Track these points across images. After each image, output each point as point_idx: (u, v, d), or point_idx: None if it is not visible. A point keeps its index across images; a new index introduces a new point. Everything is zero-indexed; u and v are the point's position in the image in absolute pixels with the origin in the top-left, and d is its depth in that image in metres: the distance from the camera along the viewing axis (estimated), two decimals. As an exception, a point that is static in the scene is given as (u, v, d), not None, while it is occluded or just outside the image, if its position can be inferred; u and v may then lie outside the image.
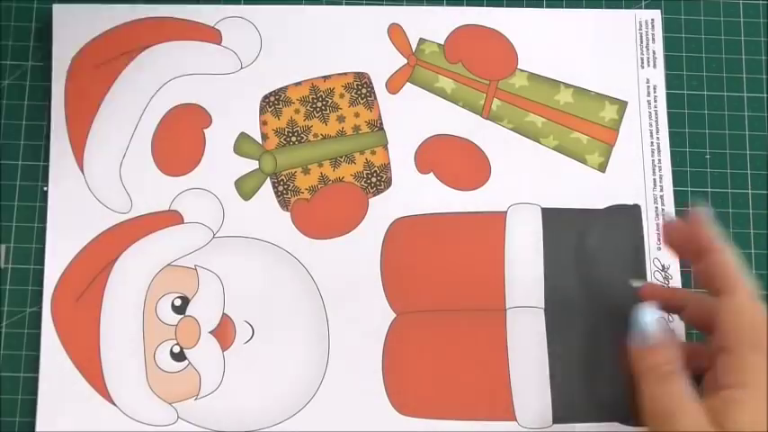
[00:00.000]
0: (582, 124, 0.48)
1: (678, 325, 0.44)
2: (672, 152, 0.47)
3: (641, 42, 0.48)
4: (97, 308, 0.44)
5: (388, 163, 0.47)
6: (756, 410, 0.36)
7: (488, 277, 0.45)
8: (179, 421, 0.43)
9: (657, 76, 0.48)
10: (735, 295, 0.38)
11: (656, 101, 0.48)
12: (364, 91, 0.48)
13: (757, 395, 0.37)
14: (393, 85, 0.48)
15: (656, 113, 0.48)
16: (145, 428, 0.43)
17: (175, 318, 0.44)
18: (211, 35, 0.47)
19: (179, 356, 0.44)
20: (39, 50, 0.47)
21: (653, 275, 0.46)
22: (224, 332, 0.44)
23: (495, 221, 0.46)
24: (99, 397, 0.43)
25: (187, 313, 0.44)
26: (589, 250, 0.46)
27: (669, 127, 0.47)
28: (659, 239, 0.46)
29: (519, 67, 0.48)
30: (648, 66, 0.48)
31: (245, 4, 0.48)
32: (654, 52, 0.48)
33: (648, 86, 0.48)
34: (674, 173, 0.47)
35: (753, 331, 0.37)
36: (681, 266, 0.46)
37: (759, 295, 0.38)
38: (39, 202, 0.46)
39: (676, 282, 0.46)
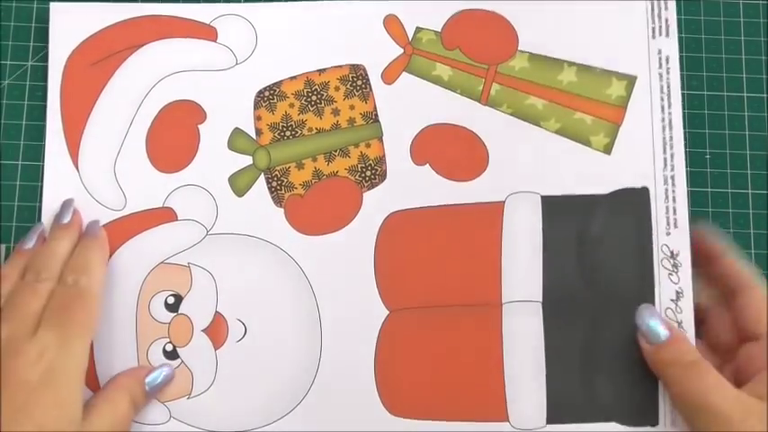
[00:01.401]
0: (586, 104, 0.45)
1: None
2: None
3: (652, 11, 0.45)
4: (91, 305, 0.44)
5: (383, 155, 0.45)
6: None
7: (484, 271, 0.43)
8: (171, 420, 0.43)
9: (671, 45, 0.45)
10: (757, 289, 0.41)
11: (668, 73, 0.45)
12: (360, 83, 0.46)
13: None
14: (389, 76, 0.46)
15: (669, 87, 0.44)
16: (137, 428, 0.43)
17: (168, 316, 0.44)
18: (207, 33, 0.47)
19: (172, 355, 0.44)
20: (39, 50, 0.48)
21: (661, 263, 0.43)
22: (217, 330, 0.44)
23: (493, 212, 0.44)
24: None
25: (180, 311, 0.44)
26: (592, 239, 0.44)
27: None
28: (668, 223, 0.43)
29: (520, 48, 0.46)
30: (661, 35, 0.45)
31: (243, 2, 0.48)
32: (666, 20, 0.45)
33: (660, 58, 0.45)
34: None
35: None
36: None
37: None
38: (39, 202, 0.46)
39: (686, 268, 0.43)
